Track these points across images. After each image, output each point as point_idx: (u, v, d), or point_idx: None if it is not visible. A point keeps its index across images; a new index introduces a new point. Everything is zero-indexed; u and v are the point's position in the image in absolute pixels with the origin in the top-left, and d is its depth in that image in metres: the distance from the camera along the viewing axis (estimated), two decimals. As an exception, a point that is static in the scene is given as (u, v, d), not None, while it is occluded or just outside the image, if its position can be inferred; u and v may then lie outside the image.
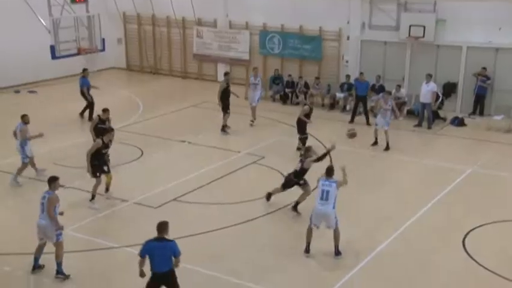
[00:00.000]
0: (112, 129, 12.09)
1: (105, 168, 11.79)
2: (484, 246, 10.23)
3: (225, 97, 16.45)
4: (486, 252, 9.97)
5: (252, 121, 17.39)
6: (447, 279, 9.19)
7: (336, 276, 9.12)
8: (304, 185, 11.43)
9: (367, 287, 8.98)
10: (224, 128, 16.63)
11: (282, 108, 19.43)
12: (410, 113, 18.53)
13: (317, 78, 20.45)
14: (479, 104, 18.49)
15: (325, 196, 9.56)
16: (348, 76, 19.89)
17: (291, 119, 16.31)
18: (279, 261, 9.62)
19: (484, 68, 18.13)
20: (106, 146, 11.71)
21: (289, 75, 20.70)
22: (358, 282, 9.07)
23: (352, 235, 10.31)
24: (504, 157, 15.05)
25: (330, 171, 9.82)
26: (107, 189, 11.97)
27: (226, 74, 17.22)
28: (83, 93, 17.99)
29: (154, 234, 10.18)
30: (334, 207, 9.56)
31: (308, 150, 11.57)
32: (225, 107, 16.55)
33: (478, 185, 13.11)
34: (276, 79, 20.83)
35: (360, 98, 17.98)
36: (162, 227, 7.72)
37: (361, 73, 18.43)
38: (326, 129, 16.91)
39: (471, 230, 10.72)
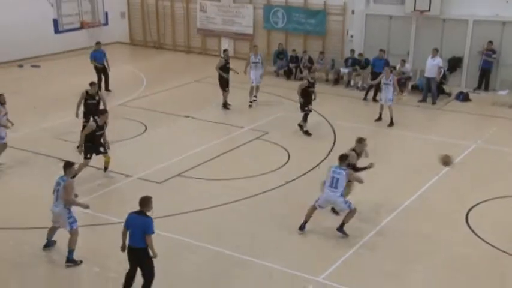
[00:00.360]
0: (105, 111, 11.79)
1: (101, 149, 11.60)
2: (487, 221, 10.26)
3: (225, 72, 16.21)
4: (489, 227, 10.00)
5: (252, 101, 16.84)
6: (450, 254, 9.24)
7: (339, 253, 9.17)
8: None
9: (370, 262, 9.03)
10: (226, 105, 16.48)
11: (285, 84, 19.33)
12: (414, 88, 18.42)
13: (321, 53, 20.30)
14: (485, 79, 18.34)
15: (334, 183, 9.47)
16: (352, 51, 19.71)
17: (294, 95, 16.18)
18: (283, 237, 9.68)
19: (491, 42, 17.93)
20: (100, 128, 11.43)
21: (293, 50, 20.52)
22: (362, 258, 9.13)
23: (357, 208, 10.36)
24: (509, 132, 14.99)
25: (342, 158, 9.63)
26: (105, 169, 11.89)
27: (225, 50, 17.04)
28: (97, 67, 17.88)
29: (157, 209, 10.29)
30: (341, 195, 9.48)
31: (360, 141, 10.43)
32: (224, 84, 16.31)
33: (482, 160, 13.09)
34: (280, 54, 20.67)
35: (377, 75, 17.69)
36: (144, 201, 7.63)
37: (380, 50, 18.14)
38: (330, 104, 16.85)
39: (474, 206, 10.74)
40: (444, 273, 8.76)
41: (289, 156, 13.14)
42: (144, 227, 7.52)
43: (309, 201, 10.90)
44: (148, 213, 7.65)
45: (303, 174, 12.10)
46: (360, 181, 9.86)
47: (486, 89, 18.30)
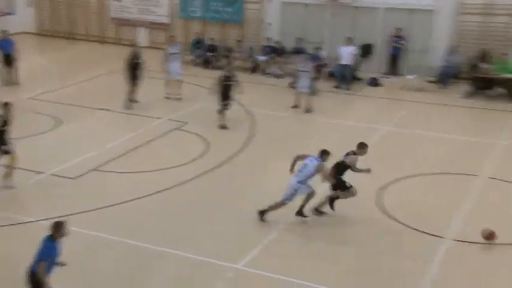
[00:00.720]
0: (8, 103, 10.78)
1: (4, 148, 10.56)
2: (398, 200, 10.71)
3: (132, 68, 15.34)
4: (400, 206, 10.42)
5: (177, 98, 16.30)
6: (363, 235, 9.59)
7: (259, 239, 9.26)
8: (349, 188, 9.88)
9: (289, 247, 9.20)
10: (130, 102, 15.40)
11: (203, 73, 19.17)
12: (330, 75, 18.88)
13: (239, 41, 20.35)
14: (394, 64, 19.15)
15: (301, 168, 9.44)
16: (269, 39, 19.92)
17: (213, 84, 16.16)
18: (200, 227, 9.65)
19: (399, 29, 18.71)
20: (4, 123, 10.55)
21: (211, 39, 20.43)
22: (281, 243, 9.25)
23: (274, 195, 10.52)
24: (417, 115, 15.76)
25: (323, 153, 9.49)
26: (8, 175, 10.65)
27: (133, 45, 16.45)
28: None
29: (72, 206, 10.01)
30: (299, 183, 9.41)
31: (362, 146, 9.92)
32: (131, 77, 15.33)
33: (394, 142, 13.68)
34: (198, 43, 20.52)
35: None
36: (54, 226, 6.89)
37: (297, 38, 18.29)
38: (248, 92, 16.85)
39: (386, 186, 11.18)
40: (356, 252, 9.08)
41: (207, 146, 13.10)
42: (41, 251, 6.81)
43: (227, 190, 11.01)
44: (58, 240, 6.93)
45: (222, 164, 12.12)
46: (330, 181, 9.67)
47: (396, 74, 19.11)
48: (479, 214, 10.16)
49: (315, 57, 17.47)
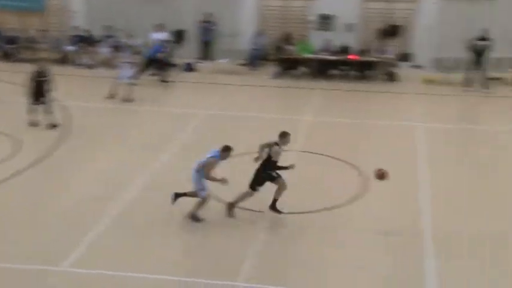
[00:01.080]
0: None
1: None
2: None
3: None
4: (225, 187, 10.55)
5: None
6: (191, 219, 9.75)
7: (81, 236, 8.85)
8: (277, 179, 9.36)
9: (113, 241, 8.90)
10: None
11: (5, 67, 17.62)
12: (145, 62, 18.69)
13: (43, 31, 19.06)
14: (206, 49, 19.66)
15: (200, 160, 9.08)
16: (76, 28, 18.99)
17: (15, 78, 14.92)
18: (15, 230, 8.93)
19: (208, 14, 19.20)
20: None
21: (9, 30, 18.81)
22: (101, 241, 8.90)
23: (92, 190, 10.18)
24: (231, 97, 16.45)
25: (224, 150, 9.07)
26: None
27: None
28: None
29: None
30: (197, 173, 9.04)
31: (284, 135, 9.21)
32: None
33: (213, 125, 14.07)
34: (-8, 35, 18.76)
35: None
36: None
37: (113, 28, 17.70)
38: (60, 85, 15.83)
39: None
40: (185, 237, 9.18)
41: (19, 145, 12.10)
42: None
43: (44, 190, 10.35)
44: None
45: (36, 163, 11.34)
46: (214, 180, 9.16)
47: (209, 58, 19.64)
48: (296, 186, 10.95)
49: (136, 48, 17.24)
